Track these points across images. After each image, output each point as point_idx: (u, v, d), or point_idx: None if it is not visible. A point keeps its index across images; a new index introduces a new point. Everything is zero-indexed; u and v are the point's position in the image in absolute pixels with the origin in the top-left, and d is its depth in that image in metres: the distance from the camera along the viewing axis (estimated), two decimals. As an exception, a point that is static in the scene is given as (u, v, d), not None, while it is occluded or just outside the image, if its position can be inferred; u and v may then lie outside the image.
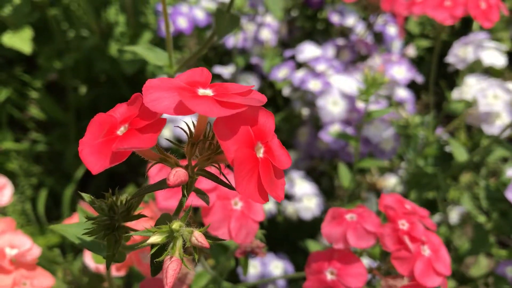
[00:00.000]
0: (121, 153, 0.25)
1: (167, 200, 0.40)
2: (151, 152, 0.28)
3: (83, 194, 0.32)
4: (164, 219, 0.29)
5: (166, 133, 0.80)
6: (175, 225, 0.27)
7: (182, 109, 0.25)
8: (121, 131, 0.27)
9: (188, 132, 0.29)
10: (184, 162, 0.29)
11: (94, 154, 0.26)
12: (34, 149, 1.08)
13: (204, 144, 0.29)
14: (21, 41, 0.99)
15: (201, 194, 0.31)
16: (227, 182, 0.29)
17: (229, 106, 0.26)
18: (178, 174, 0.26)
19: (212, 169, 0.30)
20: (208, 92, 0.27)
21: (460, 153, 0.70)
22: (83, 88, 1.16)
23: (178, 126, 0.29)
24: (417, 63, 1.20)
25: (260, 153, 0.27)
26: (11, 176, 1.04)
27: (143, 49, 0.49)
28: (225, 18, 0.45)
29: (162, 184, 0.28)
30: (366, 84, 0.61)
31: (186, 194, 0.28)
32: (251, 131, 0.27)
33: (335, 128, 0.76)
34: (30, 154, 1.09)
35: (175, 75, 0.51)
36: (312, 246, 0.74)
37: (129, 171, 1.11)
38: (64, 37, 1.06)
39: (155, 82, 0.27)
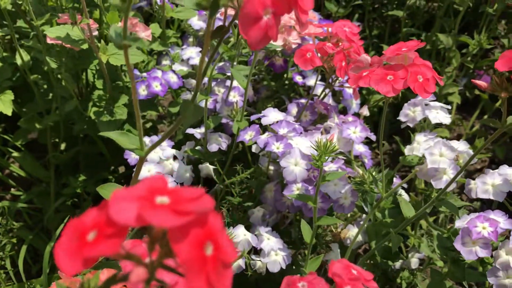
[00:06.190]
0: (92, 258, 0.31)
1: None
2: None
3: (57, 283, 0.37)
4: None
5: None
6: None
7: (141, 220, 0.31)
8: (91, 236, 0.32)
9: (148, 231, 0.34)
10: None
11: (67, 258, 0.31)
12: (14, 206, 1.11)
13: (164, 241, 0.35)
14: (2, 104, 1.04)
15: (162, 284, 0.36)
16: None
17: (183, 214, 0.32)
18: (137, 273, 0.31)
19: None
20: (165, 199, 0.33)
21: (408, 209, 0.77)
22: (63, 145, 1.21)
23: (139, 228, 0.34)
24: (378, 115, 1.29)
25: (209, 251, 0.33)
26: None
27: (116, 134, 0.55)
28: (190, 109, 0.52)
29: (126, 278, 0.33)
30: (319, 151, 0.68)
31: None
32: (202, 232, 0.33)
33: (298, 186, 0.82)
34: (10, 211, 1.12)
35: (145, 156, 0.57)
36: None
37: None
38: (45, 99, 1.11)
39: (120, 194, 0.33)
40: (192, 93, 0.55)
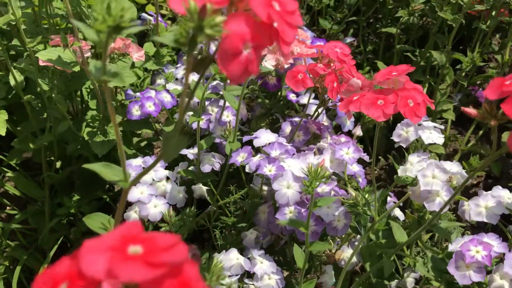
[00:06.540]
0: (61, 313, 0.30)
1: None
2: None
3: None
4: None
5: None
6: None
7: (111, 274, 0.30)
8: (62, 289, 0.32)
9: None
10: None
11: (38, 313, 0.31)
12: (8, 227, 1.11)
13: None
14: (-4, 124, 1.03)
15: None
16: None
17: (156, 266, 0.31)
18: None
19: None
20: (138, 249, 0.33)
21: (400, 234, 0.76)
22: (58, 164, 1.20)
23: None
24: (373, 130, 1.28)
25: (185, 301, 0.32)
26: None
27: (99, 166, 0.54)
28: (172, 142, 0.51)
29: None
30: (310, 177, 0.67)
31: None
32: (176, 283, 0.32)
33: (290, 209, 0.81)
34: (4, 232, 1.12)
35: (129, 188, 0.56)
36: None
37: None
38: (39, 118, 1.11)
39: (92, 244, 0.33)
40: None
